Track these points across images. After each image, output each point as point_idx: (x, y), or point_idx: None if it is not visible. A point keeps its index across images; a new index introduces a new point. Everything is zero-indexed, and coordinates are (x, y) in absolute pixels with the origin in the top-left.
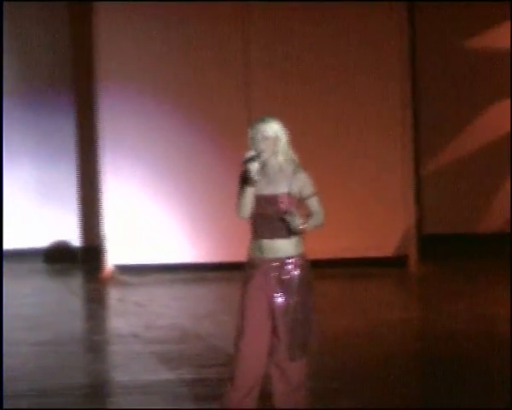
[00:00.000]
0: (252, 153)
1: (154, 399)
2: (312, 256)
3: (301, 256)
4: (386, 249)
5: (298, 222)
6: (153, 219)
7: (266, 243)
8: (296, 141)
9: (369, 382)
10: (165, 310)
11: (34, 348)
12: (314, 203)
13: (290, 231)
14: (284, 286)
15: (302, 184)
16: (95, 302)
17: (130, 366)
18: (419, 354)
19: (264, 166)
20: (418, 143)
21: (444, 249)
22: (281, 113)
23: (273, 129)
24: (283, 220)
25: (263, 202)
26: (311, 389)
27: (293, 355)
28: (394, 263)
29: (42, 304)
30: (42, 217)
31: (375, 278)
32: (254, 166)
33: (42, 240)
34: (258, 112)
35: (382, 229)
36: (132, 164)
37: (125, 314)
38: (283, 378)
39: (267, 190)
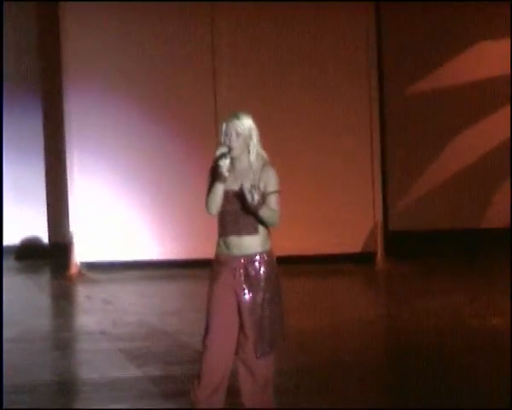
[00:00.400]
0: (223, 149)
1: (122, 396)
2: (280, 253)
3: (268, 253)
4: (354, 246)
5: (256, 198)
6: (120, 216)
7: (233, 239)
8: (263, 138)
9: (340, 378)
10: (133, 307)
11: (3, 345)
12: (273, 201)
13: (256, 229)
14: (251, 283)
15: (268, 179)
16: (63, 299)
17: (97, 363)
18: (389, 351)
19: (233, 162)
20: (385, 140)
21: (410, 246)
22: (247, 108)
23: (246, 125)
24: (248, 212)
25: (230, 197)
26: (279, 387)
27: (259, 352)
28: (361, 260)
29: (9, 301)
30: (12, 215)
31: (343, 274)
32: (225, 163)
33: (12, 237)
34: (225, 108)
35: (350, 226)
36: (100, 162)
37: (93, 311)
38: (250, 376)
39: (235, 186)
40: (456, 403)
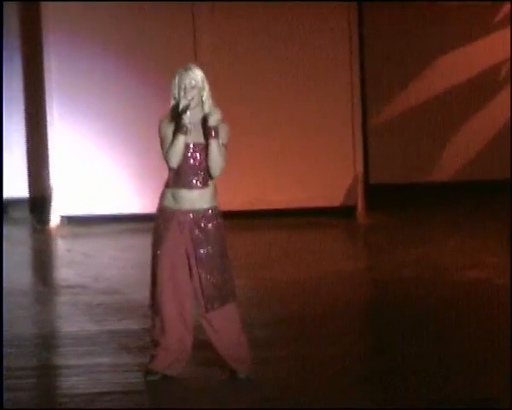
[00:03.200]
0: (185, 102)
1: (102, 349)
2: (261, 206)
3: (216, 208)
4: (334, 199)
5: (217, 118)
6: (101, 169)
7: (184, 192)
8: (244, 90)
9: (316, 329)
10: (113, 261)
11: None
12: (221, 151)
13: (206, 182)
14: (201, 238)
15: (220, 132)
16: (43, 253)
17: (77, 317)
18: (368, 301)
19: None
20: (365, 93)
21: (390, 199)
22: (230, 59)
23: (200, 78)
24: (202, 169)
25: (185, 150)
26: (256, 339)
27: (212, 305)
28: (342, 213)
29: None
30: None
31: (323, 227)
32: (187, 115)
33: None
34: (206, 61)
35: (330, 179)
36: (81, 114)
37: (73, 265)
38: (212, 328)
39: (190, 139)
40: (433, 350)
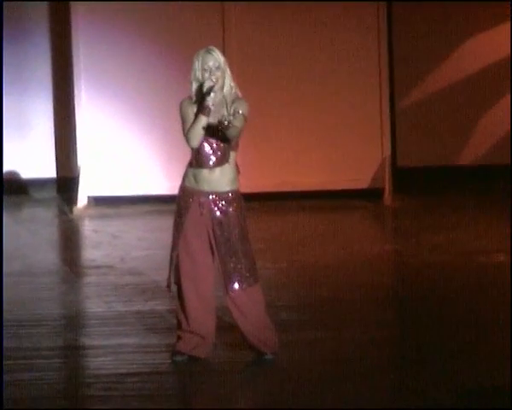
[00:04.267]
0: (210, 83)
1: (129, 330)
2: (288, 188)
3: (237, 191)
4: (361, 182)
5: (226, 121)
6: (129, 150)
7: (205, 173)
8: (271, 76)
9: (344, 314)
10: (141, 242)
11: (9, 279)
12: (239, 119)
13: (228, 160)
14: (222, 221)
15: (239, 105)
16: (70, 234)
17: (104, 298)
18: (395, 285)
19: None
20: (393, 75)
21: (417, 182)
22: (258, 44)
23: (222, 59)
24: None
25: (206, 131)
26: (284, 322)
27: (233, 287)
28: (369, 196)
29: (17, 235)
30: (19, 148)
31: (350, 210)
32: (211, 97)
33: (20, 171)
34: (234, 44)
35: (357, 162)
36: (108, 95)
37: (101, 246)
38: (238, 310)
39: (211, 119)
40: (460, 338)
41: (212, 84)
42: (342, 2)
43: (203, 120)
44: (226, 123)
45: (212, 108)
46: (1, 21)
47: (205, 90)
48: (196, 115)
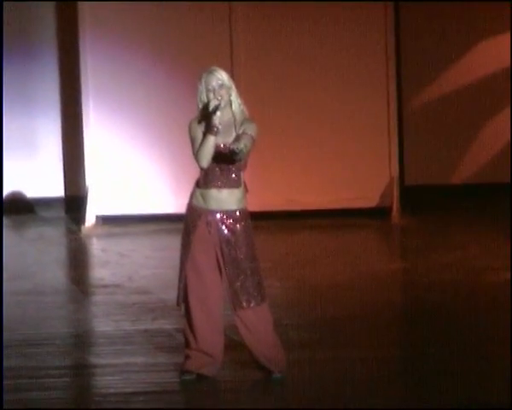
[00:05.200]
0: (215, 102)
1: (137, 349)
2: (296, 207)
3: (244, 210)
4: (369, 201)
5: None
6: (136, 169)
7: (213, 192)
8: (279, 90)
9: (354, 332)
10: (148, 260)
11: (16, 297)
12: (246, 138)
13: (236, 183)
14: (230, 239)
15: (248, 126)
16: (78, 252)
17: (112, 316)
18: (404, 304)
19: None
20: (401, 94)
21: (425, 201)
22: (264, 59)
23: (225, 77)
24: (231, 166)
25: (215, 150)
26: (293, 341)
27: (241, 306)
28: (376, 214)
29: (25, 253)
30: (27, 167)
31: (358, 228)
32: (217, 116)
33: (28, 190)
34: (242, 61)
35: (365, 180)
36: (117, 114)
37: (108, 264)
38: (246, 329)
39: (220, 140)
40: (468, 356)
41: (217, 102)
42: (349, 2)
43: (211, 140)
44: (237, 151)
45: (219, 126)
46: (1, 21)
47: (210, 109)
48: (204, 135)
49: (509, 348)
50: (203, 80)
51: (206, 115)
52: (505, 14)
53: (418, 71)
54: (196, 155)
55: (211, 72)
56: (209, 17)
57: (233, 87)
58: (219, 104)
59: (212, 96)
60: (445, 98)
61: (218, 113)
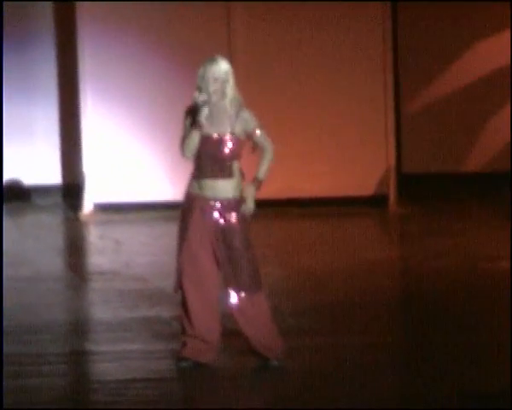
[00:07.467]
0: (204, 97)
1: (134, 336)
2: (293, 195)
3: (240, 198)
4: (366, 189)
5: (251, 206)
6: (134, 157)
7: (208, 182)
8: (277, 81)
9: (352, 319)
10: (146, 248)
11: (14, 284)
12: (261, 136)
13: (231, 173)
14: (225, 227)
15: (245, 121)
16: (75, 240)
17: (110, 304)
18: (401, 291)
19: (210, 108)
20: (399, 82)
21: (422, 189)
22: (264, 50)
23: (223, 70)
24: (226, 161)
25: (208, 142)
26: (292, 328)
27: (239, 293)
28: (374, 202)
29: (22, 241)
30: (24, 155)
31: (355, 217)
32: (204, 111)
33: (25, 178)
34: (240, 51)
35: (362, 168)
36: (114, 101)
37: (106, 252)
38: (243, 317)
39: (212, 131)
40: (464, 342)
41: (205, 98)
42: (347, 1)
43: (195, 134)
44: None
45: (204, 122)
46: (1, 22)
47: (198, 102)
48: (190, 127)
49: (507, 336)
50: (202, 69)
51: (195, 107)
52: (504, 13)
53: (416, 60)
54: (181, 145)
55: (211, 61)
56: (207, 9)
57: (230, 81)
58: (206, 100)
59: (205, 86)
60: (443, 87)
61: (206, 109)
